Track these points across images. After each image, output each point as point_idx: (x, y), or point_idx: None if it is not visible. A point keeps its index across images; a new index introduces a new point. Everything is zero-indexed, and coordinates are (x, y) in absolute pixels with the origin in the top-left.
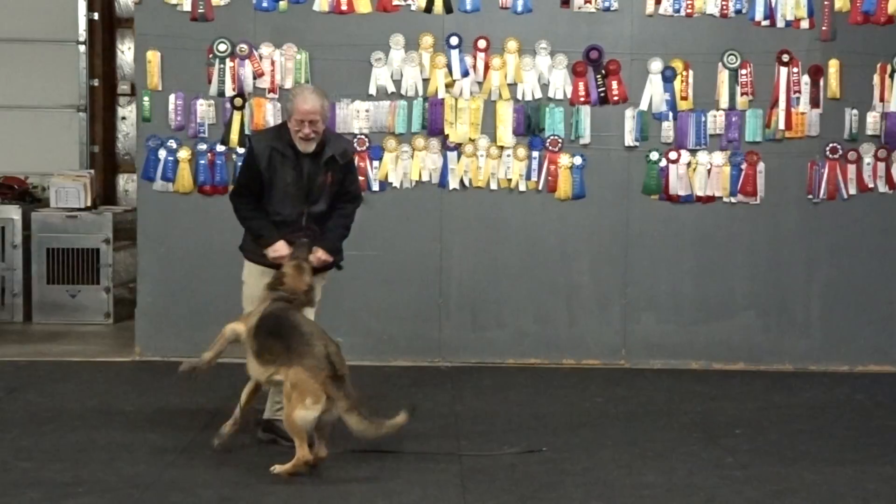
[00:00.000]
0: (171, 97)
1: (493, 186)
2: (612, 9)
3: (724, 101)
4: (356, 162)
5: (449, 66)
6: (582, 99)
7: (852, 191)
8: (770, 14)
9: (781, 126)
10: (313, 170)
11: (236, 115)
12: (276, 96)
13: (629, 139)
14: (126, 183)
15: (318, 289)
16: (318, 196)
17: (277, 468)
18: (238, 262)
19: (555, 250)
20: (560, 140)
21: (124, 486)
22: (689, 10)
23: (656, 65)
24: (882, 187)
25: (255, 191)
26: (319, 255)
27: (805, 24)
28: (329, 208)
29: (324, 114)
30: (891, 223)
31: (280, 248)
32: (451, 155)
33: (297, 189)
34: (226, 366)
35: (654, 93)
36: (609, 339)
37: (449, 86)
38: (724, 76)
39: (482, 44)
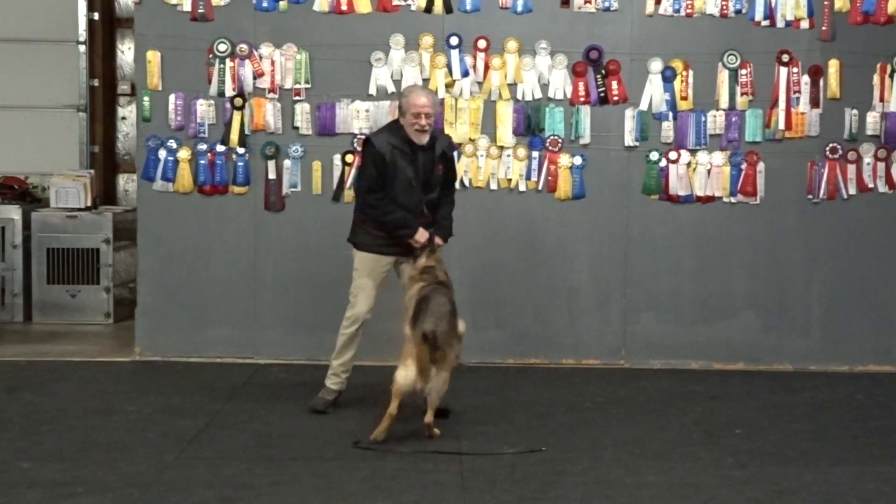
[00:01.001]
0: (171, 97)
1: (493, 186)
2: (612, 9)
3: (724, 101)
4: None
5: (449, 66)
6: (582, 99)
7: (852, 191)
8: (770, 14)
9: (781, 126)
10: (428, 163)
11: (236, 115)
12: (276, 96)
13: (629, 139)
14: (126, 183)
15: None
16: (434, 186)
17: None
18: (238, 262)
19: (555, 250)
20: (560, 140)
21: (124, 486)
22: (689, 10)
23: (656, 65)
24: (882, 187)
25: (383, 185)
26: (438, 241)
27: (805, 24)
28: (438, 194)
29: (435, 108)
30: (891, 223)
31: (423, 234)
32: None
33: (417, 181)
34: (226, 366)
35: (654, 93)
36: (609, 339)
37: (449, 86)
38: (724, 76)
39: (482, 44)
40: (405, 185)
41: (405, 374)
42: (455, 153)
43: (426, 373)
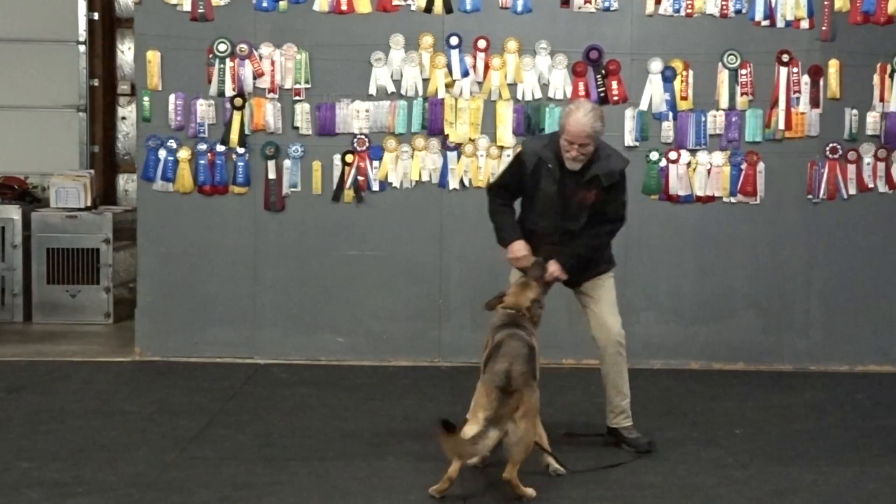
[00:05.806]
0: (171, 97)
1: None
2: (612, 9)
3: (724, 101)
4: (625, 183)
5: (449, 66)
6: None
7: (852, 191)
8: (770, 14)
9: (781, 126)
10: (574, 186)
11: (236, 115)
12: (276, 96)
13: (629, 139)
14: (126, 183)
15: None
16: (576, 213)
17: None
18: (238, 262)
19: None
20: None
21: (124, 486)
22: (689, 10)
23: (656, 65)
24: (882, 187)
25: (512, 192)
26: (553, 269)
27: (805, 24)
28: (586, 226)
29: (595, 136)
30: (891, 223)
31: (516, 250)
32: (451, 155)
33: (555, 203)
34: (225, 366)
35: (654, 93)
36: None
37: (449, 86)
38: (724, 76)
39: (482, 44)
40: (542, 205)
41: (469, 429)
42: (619, 180)
43: (501, 421)
